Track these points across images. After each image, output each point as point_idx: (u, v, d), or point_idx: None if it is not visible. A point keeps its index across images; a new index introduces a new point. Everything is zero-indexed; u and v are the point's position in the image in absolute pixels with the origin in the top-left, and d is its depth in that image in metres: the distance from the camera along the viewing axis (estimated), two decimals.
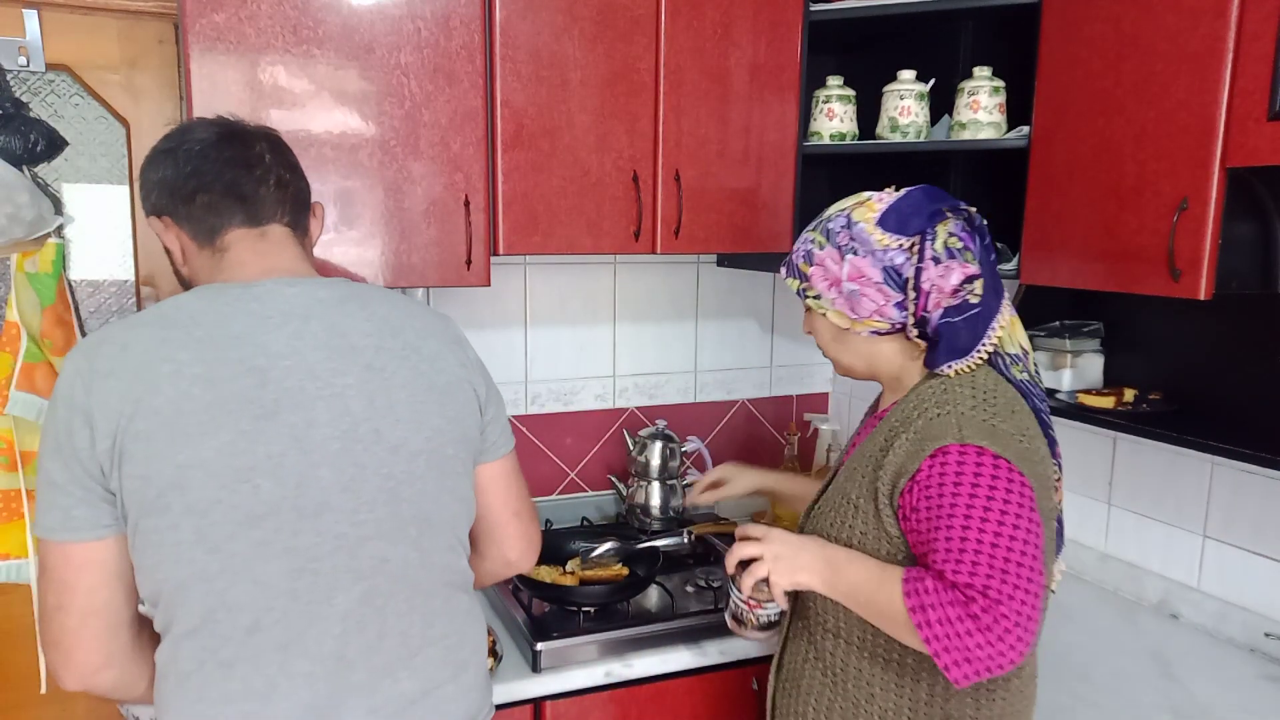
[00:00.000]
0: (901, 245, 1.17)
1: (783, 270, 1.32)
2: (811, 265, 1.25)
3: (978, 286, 1.17)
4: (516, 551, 1.31)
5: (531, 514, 1.33)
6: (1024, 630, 1.05)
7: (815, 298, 1.26)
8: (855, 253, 1.20)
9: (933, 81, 1.90)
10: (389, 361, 1.10)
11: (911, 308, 1.18)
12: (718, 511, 2.26)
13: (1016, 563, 1.07)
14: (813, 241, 1.25)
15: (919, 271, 1.16)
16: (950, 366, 1.19)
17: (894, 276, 1.18)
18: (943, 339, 1.18)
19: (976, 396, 1.17)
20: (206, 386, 1.00)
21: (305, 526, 1.04)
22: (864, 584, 1.15)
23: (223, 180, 1.11)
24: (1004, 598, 1.05)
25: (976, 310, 1.17)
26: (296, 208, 1.17)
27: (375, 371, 1.09)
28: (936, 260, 1.16)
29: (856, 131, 1.96)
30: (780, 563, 1.21)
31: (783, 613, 1.31)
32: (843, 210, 1.25)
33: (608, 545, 1.83)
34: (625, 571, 1.79)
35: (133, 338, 1.03)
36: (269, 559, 1.02)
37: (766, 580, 1.21)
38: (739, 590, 1.26)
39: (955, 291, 1.16)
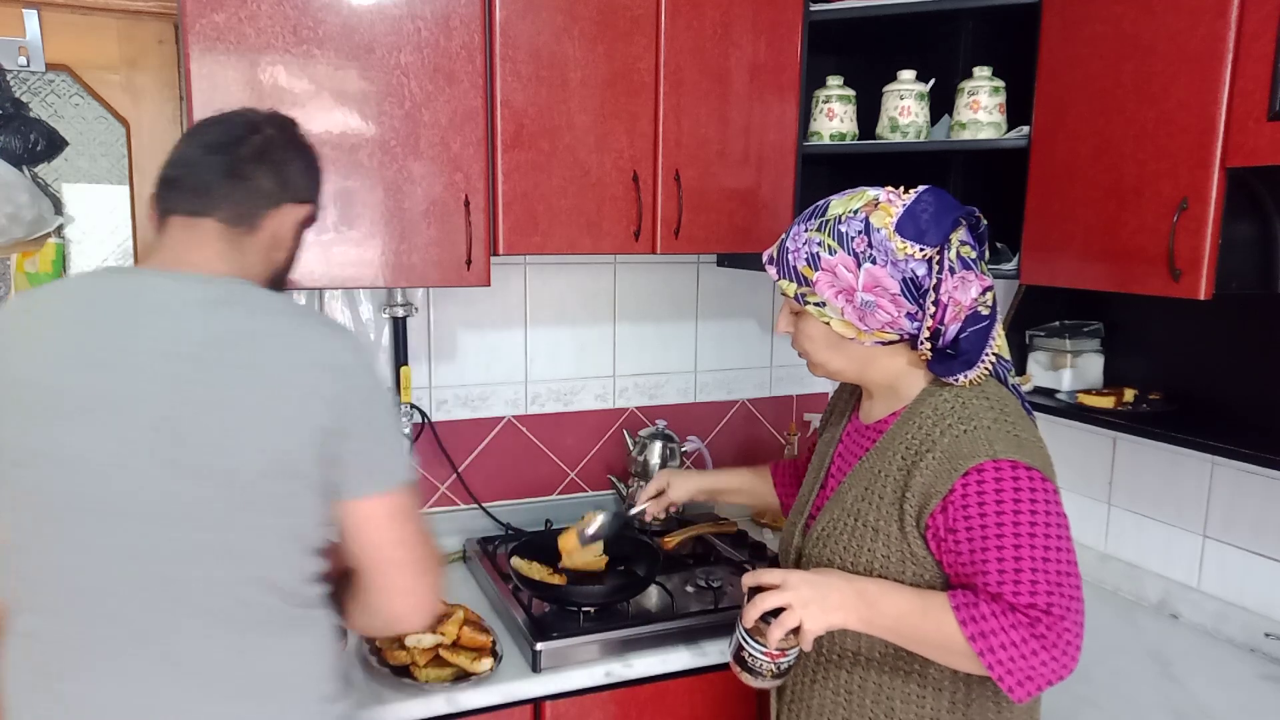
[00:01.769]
0: (925, 255, 1.10)
1: (772, 270, 1.22)
2: (817, 270, 1.15)
3: (989, 298, 1.16)
4: (397, 608, 1.13)
5: (419, 564, 1.13)
6: (1081, 639, 1.07)
7: (818, 305, 1.17)
8: (874, 261, 1.11)
9: (933, 81, 1.90)
10: (221, 377, 1.02)
11: (928, 320, 1.12)
12: (717, 511, 2.26)
13: (1066, 573, 1.07)
14: (820, 244, 1.14)
15: (938, 284, 1.11)
16: (965, 376, 1.15)
17: (911, 288, 1.11)
18: (962, 352, 1.14)
19: (994, 408, 1.14)
20: (39, 373, 0.99)
21: (96, 543, 1.00)
22: (907, 616, 1.11)
23: (186, 165, 1.11)
24: (1067, 612, 1.06)
25: (987, 321, 1.15)
26: (251, 202, 1.12)
27: (203, 387, 1.01)
28: (953, 271, 1.11)
29: (856, 131, 1.96)
30: (811, 608, 1.11)
31: (801, 653, 1.19)
32: (854, 212, 1.14)
33: (600, 519, 1.74)
34: (605, 561, 1.75)
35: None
36: (58, 572, 1.00)
37: (795, 628, 1.11)
38: (764, 643, 1.14)
39: (972, 303, 1.14)
